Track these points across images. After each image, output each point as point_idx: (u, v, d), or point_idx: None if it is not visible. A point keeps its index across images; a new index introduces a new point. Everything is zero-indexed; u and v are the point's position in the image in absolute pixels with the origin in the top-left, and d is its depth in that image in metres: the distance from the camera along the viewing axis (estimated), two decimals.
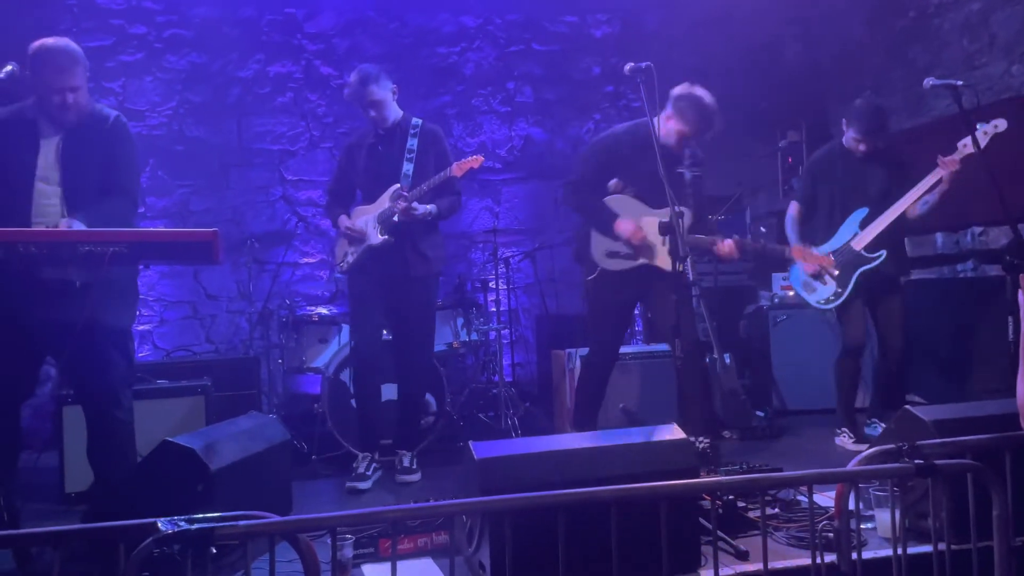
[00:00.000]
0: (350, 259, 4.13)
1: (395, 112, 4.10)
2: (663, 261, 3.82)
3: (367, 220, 4.07)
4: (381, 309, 4.14)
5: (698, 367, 3.91)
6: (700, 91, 3.84)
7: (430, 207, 3.99)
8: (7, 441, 3.01)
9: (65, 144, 3.05)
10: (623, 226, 3.82)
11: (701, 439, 3.82)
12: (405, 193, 3.92)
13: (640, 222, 3.84)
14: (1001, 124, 3.92)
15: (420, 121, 4.12)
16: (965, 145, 4.01)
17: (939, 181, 4.09)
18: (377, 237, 3.99)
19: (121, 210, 3.16)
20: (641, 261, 3.87)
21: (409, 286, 4.05)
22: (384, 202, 4.01)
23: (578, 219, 4.17)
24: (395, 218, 3.94)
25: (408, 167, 4.01)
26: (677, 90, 3.87)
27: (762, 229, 3.67)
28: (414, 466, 4.13)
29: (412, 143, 4.05)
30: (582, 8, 7.02)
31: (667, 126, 3.85)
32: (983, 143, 3.86)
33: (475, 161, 3.90)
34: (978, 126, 3.87)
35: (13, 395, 3.02)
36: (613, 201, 3.93)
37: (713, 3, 6.16)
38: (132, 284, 3.17)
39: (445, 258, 4.33)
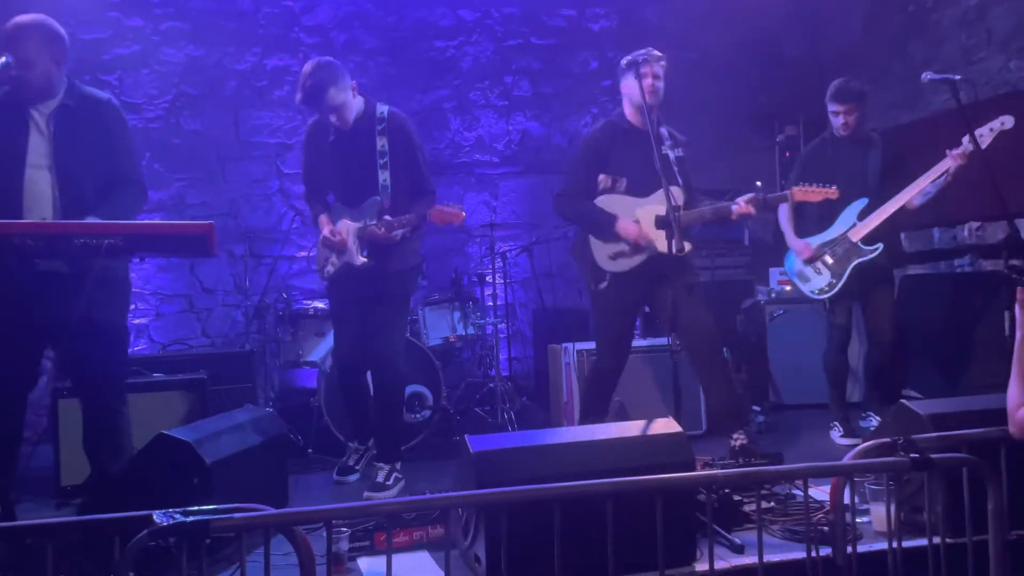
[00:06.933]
0: (330, 269, 3.93)
1: (356, 107, 3.77)
2: (664, 246, 3.74)
3: (349, 231, 3.82)
4: (359, 310, 3.92)
5: (716, 359, 3.84)
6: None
7: (407, 221, 3.70)
8: (10, 433, 3.01)
9: (56, 123, 3.00)
10: (625, 227, 3.77)
11: (737, 435, 3.80)
12: (388, 218, 3.69)
13: (637, 217, 3.79)
14: (1008, 121, 3.82)
15: (385, 110, 3.80)
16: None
17: (944, 172, 3.97)
18: (359, 259, 3.79)
19: (135, 202, 3.16)
20: (647, 255, 3.80)
21: (383, 281, 3.83)
22: (364, 216, 3.78)
23: (575, 227, 4.07)
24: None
25: (384, 176, 3.74)
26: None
27: (758, 184, 3.65)
28: (389, 482, 3.75)
29: (383, 143, 3.75)
30: (580, 2, 7.01)
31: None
32: (989, 140, 3.81)
33: (456, 217, 3.65)
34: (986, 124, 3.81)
35: (16, 387, 3.01)
36: (604, 202, 3.86)
37: None
38: (125, 275, 3.16)
39: (419, 250, 4.05)
